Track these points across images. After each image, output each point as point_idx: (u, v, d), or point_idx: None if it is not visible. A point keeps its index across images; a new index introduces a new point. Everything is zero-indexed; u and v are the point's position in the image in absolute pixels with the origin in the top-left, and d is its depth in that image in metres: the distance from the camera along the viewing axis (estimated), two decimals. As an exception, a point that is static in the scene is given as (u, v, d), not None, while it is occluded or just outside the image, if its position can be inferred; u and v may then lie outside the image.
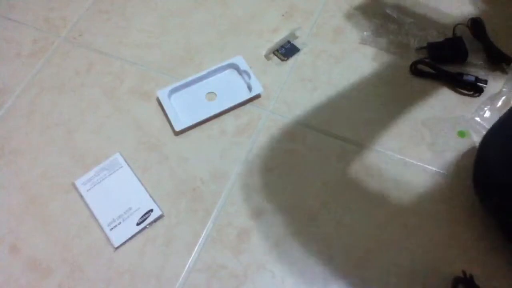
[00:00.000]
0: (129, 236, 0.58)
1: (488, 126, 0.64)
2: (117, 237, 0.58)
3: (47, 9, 0.78)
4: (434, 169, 0.62)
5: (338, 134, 0.65)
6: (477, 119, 0.65)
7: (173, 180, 0.62)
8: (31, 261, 0.57)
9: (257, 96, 0.68)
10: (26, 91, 0.69)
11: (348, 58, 0.72)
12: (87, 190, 0.61)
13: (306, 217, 0.59)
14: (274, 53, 0.72)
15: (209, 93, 0.68)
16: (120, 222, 0.58)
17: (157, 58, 0.72)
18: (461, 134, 0.64)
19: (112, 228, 0.58)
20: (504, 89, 0.67)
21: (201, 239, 0.58)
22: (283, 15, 0.76)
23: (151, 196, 0.60)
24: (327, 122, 0.66)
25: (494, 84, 0.68)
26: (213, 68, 0.69)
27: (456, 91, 0.68)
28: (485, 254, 0.57)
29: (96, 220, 0.59)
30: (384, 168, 0.62)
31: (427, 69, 0.69)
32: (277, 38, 0.73)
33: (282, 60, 0.72)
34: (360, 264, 0.56)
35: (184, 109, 0.67)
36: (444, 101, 0.67)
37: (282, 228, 0.59)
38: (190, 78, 0.68)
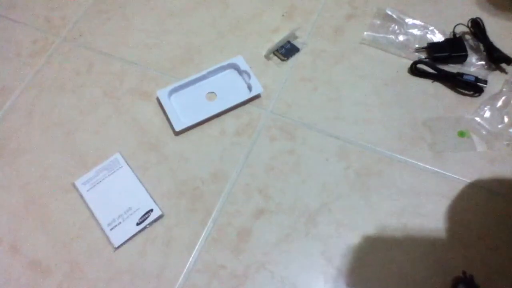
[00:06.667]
0: (129, 236, 0.58)
1: (488, 126, 0.64)
2: (117, 237, 0.58)
3: (47, 9, 0.78)
4: (434, 169, 0.62)
5: (338, 134, 0.65)
6: (477, 119, 0.65)
7: (173, 180, 0.62)
8: (31, 261, 0.57)
9: (257, 96, 0.68)
10: (26, 91, 0.69)
11: (348, 58, 0.72)
12: (87, 190, 0.61)
13: (306, 217, 0.59)
14: (274, 53, 0.72)
15: (209, 93, 0.68)
16: (120, 222, 0.58)
17: (157, 58, 0.72)
18: (461, 134, 0.64)
19: (112, 228, 0.58)
20: (504, 89, 0.67)
21: (201, 239, 0.58)
22: (283, 15, 0.76)
23: (151, 196, 0.60)
24: (327, 122, 0.66)
25: (494, 84, 0.68)
26: (213, 68, 0.69)
27: (456, 91, 0.68)
28: (485, 254, 0.57)
29: (96, 220, 0.59)
30: (384, 168, 0.62)
31: (427, 69, 0.69)
32: (277, 38, 0.73)
33: (282, 60, 0.72)
34: (360, 264, 0.56)
35: (184, 109, 0.67)
36: (444, 101, 0.67)
37: (282, 228, 0.59)
38: (190, 78, 0.68)
